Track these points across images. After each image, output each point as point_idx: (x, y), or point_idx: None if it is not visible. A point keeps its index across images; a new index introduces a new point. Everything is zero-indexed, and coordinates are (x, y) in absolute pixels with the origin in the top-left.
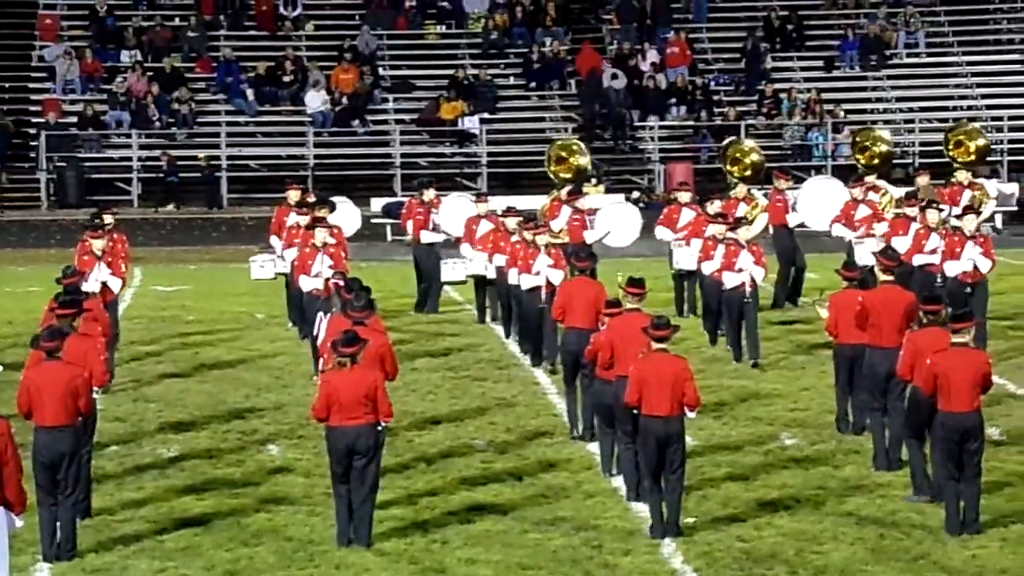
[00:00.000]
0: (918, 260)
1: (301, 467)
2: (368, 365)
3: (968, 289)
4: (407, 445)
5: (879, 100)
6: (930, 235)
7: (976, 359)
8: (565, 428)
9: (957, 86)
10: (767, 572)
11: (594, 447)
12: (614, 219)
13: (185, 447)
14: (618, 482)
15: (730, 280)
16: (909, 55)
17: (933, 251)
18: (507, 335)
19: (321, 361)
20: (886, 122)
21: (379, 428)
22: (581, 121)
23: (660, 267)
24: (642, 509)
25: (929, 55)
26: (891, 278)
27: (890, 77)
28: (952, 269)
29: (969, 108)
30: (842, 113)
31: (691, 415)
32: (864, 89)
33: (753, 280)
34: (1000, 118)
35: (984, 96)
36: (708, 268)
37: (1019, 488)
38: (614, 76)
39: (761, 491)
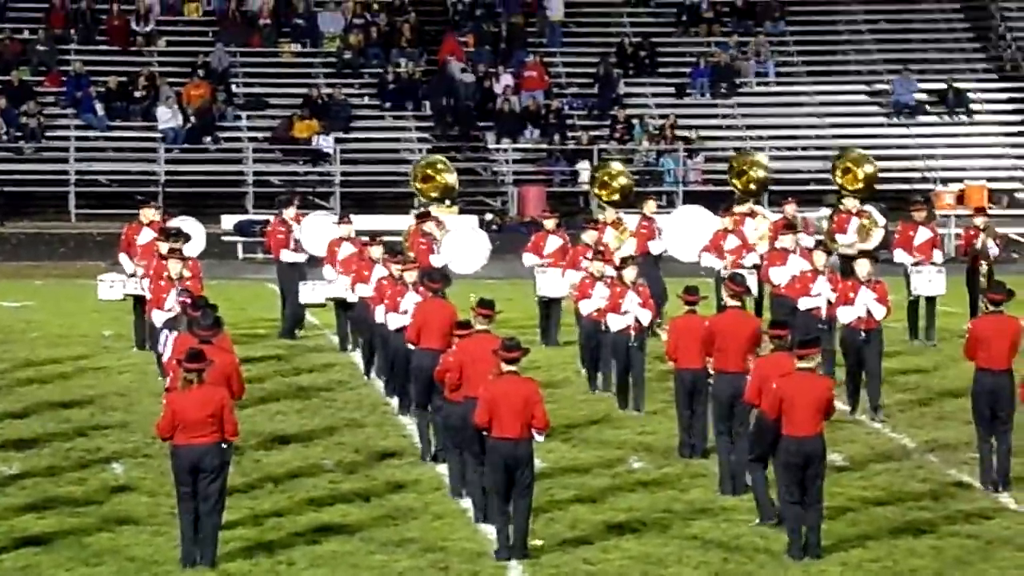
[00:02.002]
0: (804, 304)
1: (145, 486)
2: (214, 383)
3: (862, 336)
4: (254, 465)
5: (730, 127)
6: (816, 278)
7: (819, 384)
8: (414, 449)
9: (806, 115)
10: None
11: (443, 468)
12: (461, 244)
13: (26, 464)
14: (466, 503)
15: (615, 323)
16: (759, 83)
17: (819, 295)
18: (367, 373)
19: (168, 379)
20: (736, 149)
21: (224, 447)
22: (436, 142)
23: (514, 290)
24: (490, 531)
25: (779, 84)
26: (738, 304)
27: (740, 104)
28: (846, 315)
29: (817, 137)
30: (694, 137)
31: (539, 438)
32: (715, 116)
33: (639, 323)
34: (846, 147)
35: (832, 125)
36: (586, 307)
37: (860, 513)
38: (463, 70)
39: (608, 514)
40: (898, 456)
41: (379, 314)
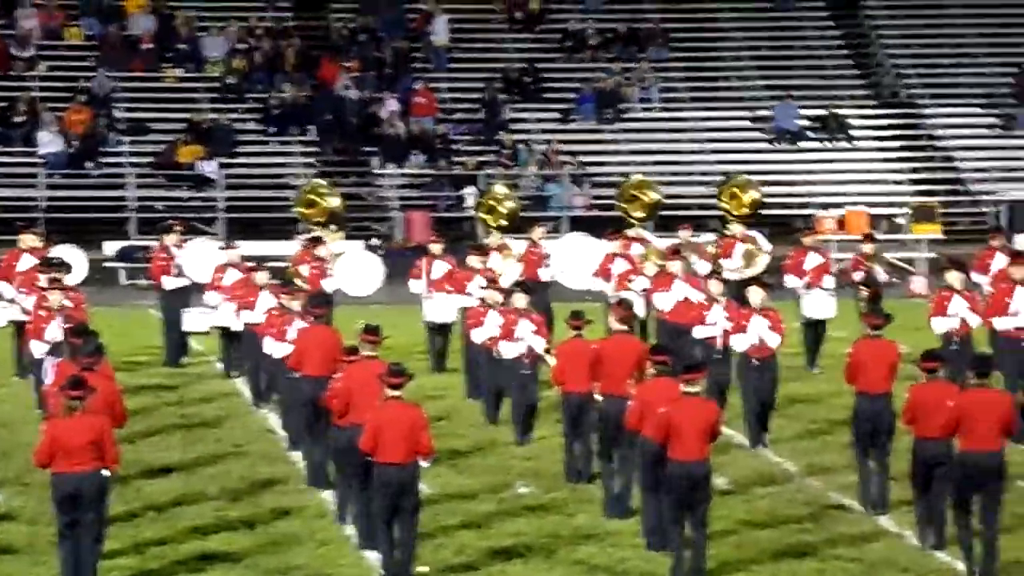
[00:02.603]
0: (699, 333)
1: (25, 514)
2: (96, 411)
3: (756, 364)
4: (136, 493)
5: (615, 153)
6: (712, 306)
7: (705, 409)
8: (299, 476)
9: (690, 140)
10: None
11: (329, 495)
12: (354, 268)
13: None
14: (352, 530)
15: (508, 351)
16: (644, 109)
17: (714, 323)
18: (255, 402)
19: (49, 406)
20: (622, 175)
21: (105, 474)
22: (321, 167)
23: (400, 316)
24: (375, 557)
25: (663, 110)
26: (625, 328)
27: (625, 131)
28: (739, 344)
29: (701, 162)
30: (577, 164)
31: (425, 464)
32: (600, 142)
33: (532, 350)
34: (728, 173)
35: (715, 151)
36: (479, 336)
37: (744, 536)
38: (347, 87)
39: (495, 539)
40: (781, 480)
41: (267, 344)
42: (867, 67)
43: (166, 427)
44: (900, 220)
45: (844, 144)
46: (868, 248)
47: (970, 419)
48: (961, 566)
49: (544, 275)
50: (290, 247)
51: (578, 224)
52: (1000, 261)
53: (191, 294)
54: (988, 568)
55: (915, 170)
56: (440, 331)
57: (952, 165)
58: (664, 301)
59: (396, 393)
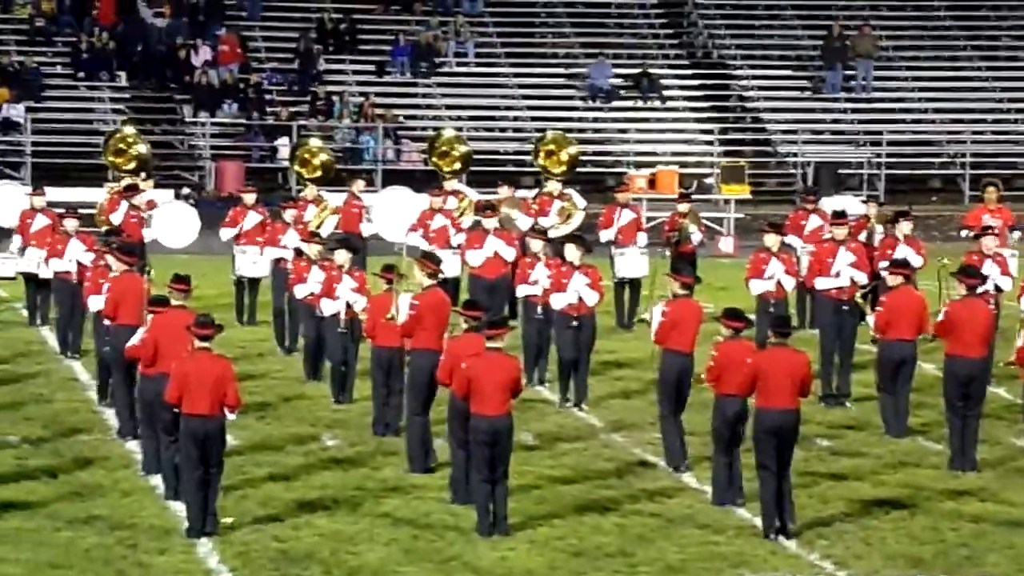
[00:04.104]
0: (522, 291)
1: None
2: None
3: (575, 323)
4: None
5: (429, 107)
6: (535, 265)
7: (507, 363)
8: (103, 425)
9: (504, 97)
10: (303, 572)
11: (133, 445)
12: (171, 218)
13: None
14: (156, 480)
15: (329, 308)
16: (459, 64)
17: (535, 282)
18: (63, 352)
19: None
20: (435, 129)
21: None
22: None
23: (210, 266)
24: (179, 508)
25: (478, 65)
26: (433, 282)
27: (440, 85)
28: (558, 302)
29: (515, 119)
30: (401, 117)
31: (231, 416)
32: (415, 95)
33: (350, 307)
34: (543, 130)
35: (530, 108)
36: (301, 292)
37: (547, 491)
38: (158, 14)
39: (301, 491)
40: (586, 435)
41: (93, 303)
42: (680, 27)
43: None
44: (709, 180)
45: (656, 104)
46: (683, 207)
47: (767, 377)
48: (758, 521)
49: (365, 230)
50: (98, 194)
51: (391, 177)
52: (814, 222)
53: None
54: (783, 522)
55: (725, 130)
56: (251, 285)
57: (761, 126)
58: (475, 257)
59: (204, 344)
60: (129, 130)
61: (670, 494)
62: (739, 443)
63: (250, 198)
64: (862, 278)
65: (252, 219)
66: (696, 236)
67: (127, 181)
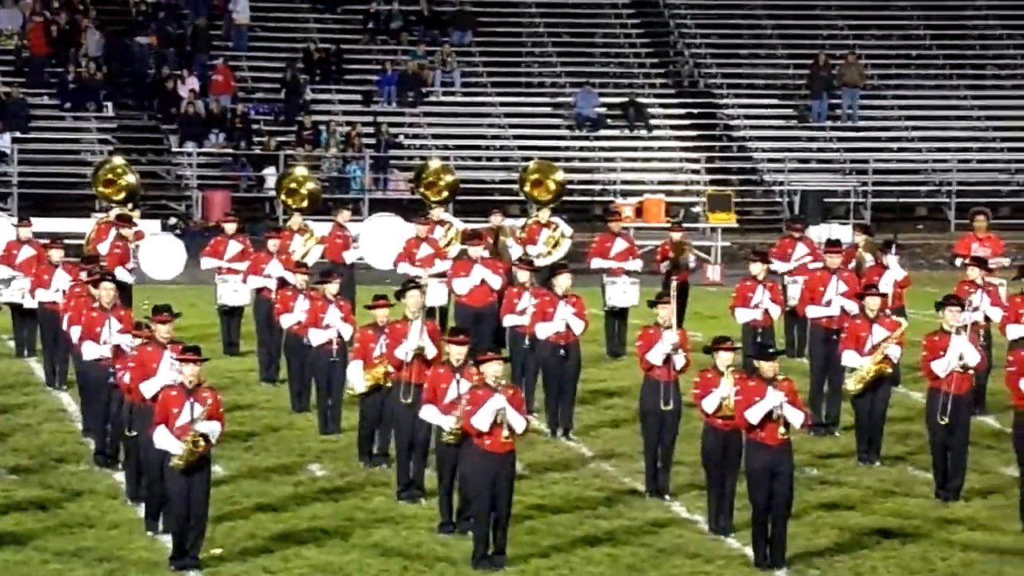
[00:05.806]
0: (509, 321)
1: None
2: None
3: (562, 352)
4: None
5: (416, 136)
6: (522, 295)
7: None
8: (91, 457)
9: (491, 125)
10: None
11: (120, 476)
12: (157, 250)
13: None
14: (143, 512)
15: (317, 337)
16: (445, 93)
17: (524, 311)
18: (49, 383)
19: None
20: (423, 158)
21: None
22: (118, 144)
23: (197, 296)
24: (166, 540)
25: (465, 94)
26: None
27: (427, 114)
28: (543, 331)
29: (502, 148)
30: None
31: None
32: (401, 124)
33: (340, 337)
34: (530, 159)
35: (516, 137)
36: (287, 321)
37: (538, 522)
38: (143, 33)
39: (290, 522)
40: (575, 464)
41: (75, 334)
42: (666, 56)
43: None
44: (696, 208)
45: (643, 132)
46: (676, 236)
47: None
48: (749, 551)
49: (349, 257)
50: (85, 224)
51: (377, 206)
52: (800, 250)
53: None
54: (776, 554)
55: (711, 159)
56: (232, 314)
57: (747, 155)
58: (462, 286)
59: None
60: (118, 160)
61: (661, 524)
62: (732, 472)
63: (230, 227)
64: (853, 308)
65: (233, 248)
66: (692, 263)
67: (117, 211)
